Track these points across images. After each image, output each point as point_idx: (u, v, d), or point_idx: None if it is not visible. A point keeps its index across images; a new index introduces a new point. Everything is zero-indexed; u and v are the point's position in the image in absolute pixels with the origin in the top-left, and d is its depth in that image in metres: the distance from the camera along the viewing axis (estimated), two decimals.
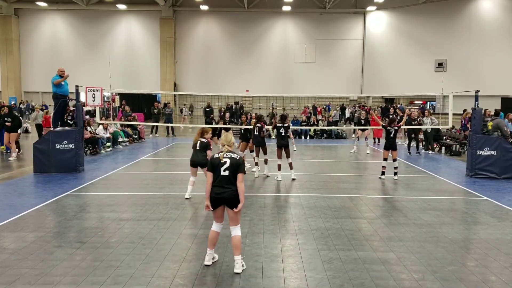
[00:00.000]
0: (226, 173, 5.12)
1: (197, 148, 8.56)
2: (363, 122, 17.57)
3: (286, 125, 11.03)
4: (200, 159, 8.49)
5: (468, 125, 16.47)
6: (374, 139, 20.30)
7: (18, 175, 11.33)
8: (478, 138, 11.61)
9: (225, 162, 5.13)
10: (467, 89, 13.87)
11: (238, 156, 5.21)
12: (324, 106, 32.94)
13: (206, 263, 5.33)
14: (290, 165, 11.00)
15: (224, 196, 5.11)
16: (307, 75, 37.00)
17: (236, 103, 34.54)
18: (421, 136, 18.93)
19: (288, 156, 10.99)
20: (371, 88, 36.32)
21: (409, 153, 16.47)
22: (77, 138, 11.69)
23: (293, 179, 10.87)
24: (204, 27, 37.80)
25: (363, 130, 17.31)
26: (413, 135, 17.02)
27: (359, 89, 37.59)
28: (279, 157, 11.00)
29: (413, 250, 5.99)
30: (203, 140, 8.62)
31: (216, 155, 5.23)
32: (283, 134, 10.94)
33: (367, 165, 14.15)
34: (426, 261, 5.58)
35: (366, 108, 34.94)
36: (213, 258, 5.47)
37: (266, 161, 11.45)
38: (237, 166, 5.13)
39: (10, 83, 37.32)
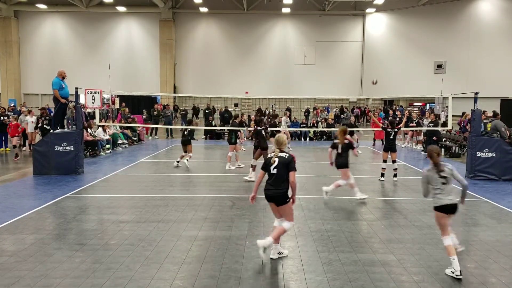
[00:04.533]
0: (275, 171, 5.44)
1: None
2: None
3: (264, 127, 11.21)
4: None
5: (467, 127, 16.49)
6: (374, 140, 20.35)
7: (18, 177, 11.32)
8: (478, 140, 11.62)
9: (275, 161, 5.46)
10: (466, 91, 13.90)
11: (287, 155, 5.48)
12: (324, 108, 32.94)
13: (271, 256, 5.61)
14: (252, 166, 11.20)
15: (270, 194, 5.50)
16: (306, 76, 36.99)
17: (236, 105, 34.59)
18: (420, 137, 18.98)
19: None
20: (370, 89, 36.29)
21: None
22: (77, 140, 11.70)
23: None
24: (204, 29, 37.81)
25: (351, 134, 17.43)
26: (434, 138, 16.07)
27: (359, 90, 37.60)
28: (256, 158, 11.15)
29: (413, 252, 5.99)
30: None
31: (270, 155, 5.60)
32: (264, 135, 11.15)
33: (366, 167, 14.15)
34: (426, 263, 5.58)
35: (366, 110, 35.04)
36: (280, 253, 5.69)
37: None
38: (287, 165, 5.41)
39: (10, 85, 37.25)
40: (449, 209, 5.22)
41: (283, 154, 5.48)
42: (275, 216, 5.72)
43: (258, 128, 11.10)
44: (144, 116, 24.78)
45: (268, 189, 5.51)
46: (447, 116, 19.53)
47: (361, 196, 8.86)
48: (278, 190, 5.44)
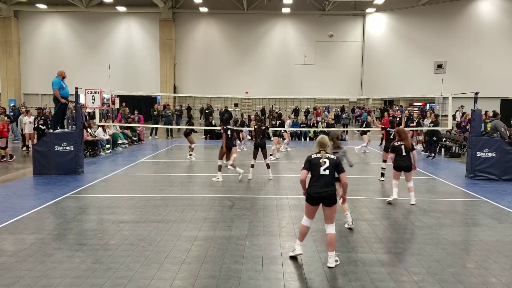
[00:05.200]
0: (326, 172, 5.43)
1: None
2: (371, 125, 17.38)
3: (230, 127, 11.44)
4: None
5: (467, 127, 16.49)
6: (382, 140, 20.30)
7: (18, 177, 11.32)
8: (478, 140, 11.62)
9: (325, 162, 5.45)
10: (466, 91, 13.90)
11: (336, 157, 5.59)
12: (324, 108, 32.92)
13: (291, 254, 5.69)
14: (233, 165, 11.28)
15: (324, 195, 5.40)
16: (306, 76, 36.98)
17: (236, 105, 34.57)
18: (420, 137, 18.98)
19: (228, 158, 11.33)
20: (370, 89, 36.34)
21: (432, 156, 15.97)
22: (77, 140, 11.70)
23: (217, 180, 11.02)
24: (204, 29, 37.79)
25: (366, 132, 17.29)
26: (434, 138, 16.18)
27: (359, 90, 37.59)
28: (220, 158, 11.32)
29: (413, 252, 5.99)
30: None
31: (314, 155, 5.56)
32: (229, 135, 11.31)
33: (366, 166, 14.15)
34: (426, 263, 5.58)
35: (366, 109, 35.02)
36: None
37: (268, 166, 11.44)
38: (336, 166, 5.48)
39: (10, 85, 37.24)
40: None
41: (331, 156, 5.55)
42: (308, 217, 5.59)
43: (225, 127, 11.29)
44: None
45: (320, 191, 5.39)
46: (461, 115, 19.37)
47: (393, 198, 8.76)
48: (331, 191, 5.41)
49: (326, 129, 22.70)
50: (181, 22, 37.74)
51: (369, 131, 17.64)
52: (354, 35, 37.57)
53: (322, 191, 5.38)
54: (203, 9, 36.01)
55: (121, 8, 35.87)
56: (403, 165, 8.64)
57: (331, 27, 37.11)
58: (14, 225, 7.04)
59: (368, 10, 36.09)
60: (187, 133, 15.21)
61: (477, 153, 11.56)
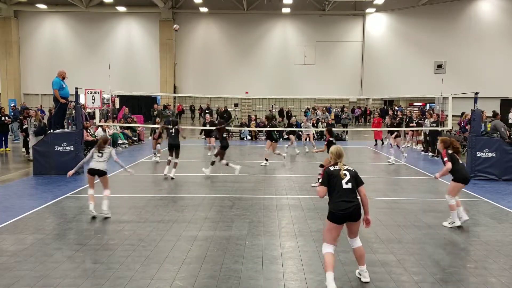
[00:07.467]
0: (349, 185, 4.91)
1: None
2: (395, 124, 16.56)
3: (176, 126, 11.93)
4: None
5: (467, 127, 16.50)
6: (376, 141, 20.35)
7: (18, 177, 11.32)
8: (478, 140, 11.62)
9: (345, 175, 4.93)
10: (466, 91, 13.90)
11: (352, 168, 5.08)
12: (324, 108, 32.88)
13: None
14: (175, 164, 11.52)
15: (351, 210, 4.85)
16: (306, 76, 36.99)
17: (236, 105, 34.56)
18: (420, 137, 18.98)
19: (176, 156, 11.64)
20: (370, 89, 36.33)
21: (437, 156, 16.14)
22: (77, 140, 11.70)
23: (172, 178, 11.25)
24: (204, 29, 37.80)
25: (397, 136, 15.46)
26: (438, 138, 16.40)
27: (359, 90, 37.59)
28: (170, 155, 11.79)
29: (413, 252, 5.99)
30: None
31: (332, 168, 5.00)
32: (173, 134, 11.77)
33: (366, 167, 14.15)
34: (426, 263, 5.58)
35: (367, 110, 34.96)
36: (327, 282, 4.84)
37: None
38: (356, 178, 4.98)
39: (10, 85, 37.26)
40: (93, 172, 7.57)
41: (349, 167, 5.03)
42: (331, 243, 4.90)
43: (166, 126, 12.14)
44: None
45: (346, 207, 4.82)
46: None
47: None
48: (357, 204, 4.91)
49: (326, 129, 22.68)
50: (181, 22, 37.65)
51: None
52: (354, 35, 37.57)
53: (349, 207, 4.84)
54: (203, 9, 36.01)
55: (121, 8, 35.88)
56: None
57: (331, 27, 37.16)
58: (14, 225, 7.05)
59: (368, 10, 36.09)
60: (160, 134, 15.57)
61: (477, 153, 11.57)
